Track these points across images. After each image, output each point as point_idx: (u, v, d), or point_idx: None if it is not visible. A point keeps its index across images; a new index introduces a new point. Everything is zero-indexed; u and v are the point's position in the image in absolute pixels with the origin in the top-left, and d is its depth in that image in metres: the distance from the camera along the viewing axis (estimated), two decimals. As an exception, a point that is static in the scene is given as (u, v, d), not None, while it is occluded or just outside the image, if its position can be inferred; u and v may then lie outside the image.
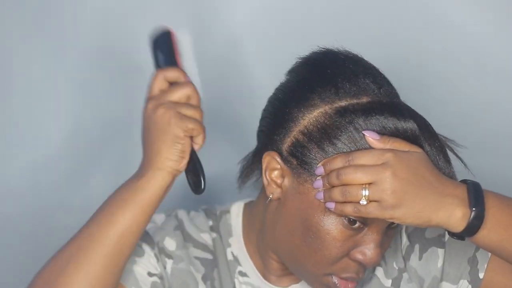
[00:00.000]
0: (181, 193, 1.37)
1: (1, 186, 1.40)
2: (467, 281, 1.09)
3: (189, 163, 1.05)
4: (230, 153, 1.31)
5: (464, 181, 1.00)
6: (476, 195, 0.97)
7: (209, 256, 1.15)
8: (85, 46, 1.39)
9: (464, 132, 1.37)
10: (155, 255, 1.12)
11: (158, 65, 1.10)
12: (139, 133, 1.08)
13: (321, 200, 1.00)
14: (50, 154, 1.42)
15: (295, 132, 1.03)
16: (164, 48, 1.10)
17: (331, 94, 1.02)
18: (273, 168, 1.05)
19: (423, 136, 0.99)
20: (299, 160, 1.02)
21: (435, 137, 1.01)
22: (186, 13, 1.40)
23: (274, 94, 1.09)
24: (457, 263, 1.10)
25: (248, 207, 1.17)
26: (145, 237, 1.13)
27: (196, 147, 1.06)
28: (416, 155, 0.97)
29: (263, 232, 1.11)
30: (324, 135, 1.00)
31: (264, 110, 1.10)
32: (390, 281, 1.13)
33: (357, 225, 1.01)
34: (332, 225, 1.01)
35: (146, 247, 1.12)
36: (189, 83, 1.06)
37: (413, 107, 1.03)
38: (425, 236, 1.13)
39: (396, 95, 1.05)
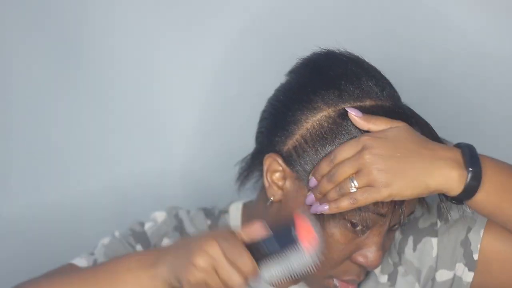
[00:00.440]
0: (181, 193, 1.38)
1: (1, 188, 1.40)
2: (463, 263, 1.08)
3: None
4: (230, 154, 1.30)
5: (458, 145, 0.99)
6: (471, 156, 0.96)
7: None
8: (85, 46, 1.39)
9: (464, 132, 1.37)
10: None
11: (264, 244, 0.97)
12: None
13: (317, 212, 0.98)
14: (50, 154, 1.42)
15: (297, 134, 1.02)
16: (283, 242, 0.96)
17: (334, 97, 1.01)
18: (275, 170, 1.04)
19: None
20: (300, 162, 1.02)
21: (437, 141, 1.00)
22: (186, 13, 1.40)
23: (274, 95, 1.08)
24: (451, 247, 1.09)
25: (247, 208, 1.16)
26: (142, 238, 1.13)
27: None
28: (395, 130, 0.97)
29: (263, 234, 1.10)
30: (326, 138, 1.00)
31: (264, 111, 1.09)
32: (386, 276, 1.12)
33: (359, 228, 1.00)
34: (335, 228, 1.01)
35: (139, 248, 1.12)
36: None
37: (413, 108, 1.03)
38: (418, 227, 1.12)
39: (398, 98, 1.04)
